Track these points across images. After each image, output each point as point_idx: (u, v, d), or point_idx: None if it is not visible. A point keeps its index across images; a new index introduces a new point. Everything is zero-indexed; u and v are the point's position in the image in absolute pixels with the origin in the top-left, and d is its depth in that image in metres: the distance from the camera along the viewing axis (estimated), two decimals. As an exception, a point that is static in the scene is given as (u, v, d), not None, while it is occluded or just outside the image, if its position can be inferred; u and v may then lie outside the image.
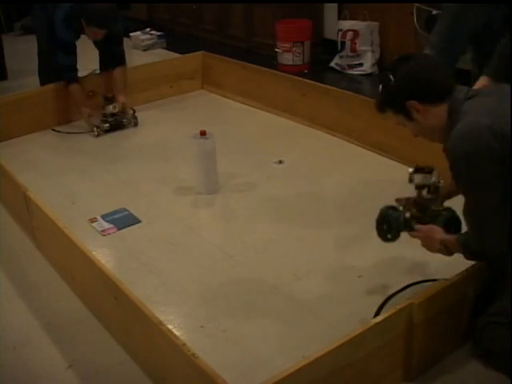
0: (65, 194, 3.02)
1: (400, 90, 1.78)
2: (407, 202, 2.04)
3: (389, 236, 2.05)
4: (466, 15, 2.75)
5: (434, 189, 1.99)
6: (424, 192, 2.01)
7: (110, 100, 3.75)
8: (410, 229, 1.99)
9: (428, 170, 1.98)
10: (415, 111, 1.77)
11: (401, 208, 2.05)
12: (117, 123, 3.75)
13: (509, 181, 1.66)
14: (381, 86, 1.85)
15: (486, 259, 1.82)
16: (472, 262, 1.87)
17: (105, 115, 3.74)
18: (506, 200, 1.69)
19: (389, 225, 2.04)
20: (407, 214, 2.02)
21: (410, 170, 2.01)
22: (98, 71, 4.17)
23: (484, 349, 1.83)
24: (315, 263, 2.40)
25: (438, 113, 1.77)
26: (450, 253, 1.89)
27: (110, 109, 3.73)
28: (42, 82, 4.02)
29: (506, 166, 1.64)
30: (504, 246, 1.73)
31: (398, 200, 2.08)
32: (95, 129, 3.68)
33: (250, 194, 2.97)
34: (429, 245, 1.94)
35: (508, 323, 1.74)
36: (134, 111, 3.87)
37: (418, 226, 1.96)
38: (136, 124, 3.82)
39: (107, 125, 3.71)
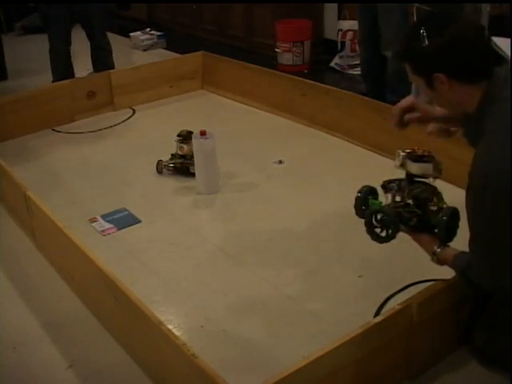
0: (65, 193, 3.02)
1: (430, 58, 1.56)
2: (399, 192, 1.84)
3: (382, 236, 1.85)
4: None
5: (433, 180, 1.82)
6: (419, 184, 1.83)
7: (185, 138, 3.11)
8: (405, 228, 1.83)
9: (428, 159, 1.79)
10: (439, 83, 1.57)
11: (389, 198, 1.86)
12: (182, 168, 3.14)
13: None
14: (408, 37, 1.61)
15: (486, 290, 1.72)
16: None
17: (174, 154, 3.18)
18: None
19: (384, 226, 1.83)
20: (406, 215, 1.81)
21: (402, 153, 1.80)
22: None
23: (490, 356, 1.80)
24: (315, 263, 2.40)
25: (464, 93, 1.58)
26: (441, 264, 1.81)
27: (178, 149, 3.14)
28: (55, 78, 4.15)
29: None
30: (506, 283, 1.61)
31: (386, 188, 1.88)
32: (160, 163, 3.18)
33: (250, 194, 2.97)
34: (418, 242, 1.86)
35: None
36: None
37: (410, 234, 1.84)
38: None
39: (172, 167, 3.17)
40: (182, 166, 3.13)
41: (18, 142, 3.68)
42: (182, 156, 3.13)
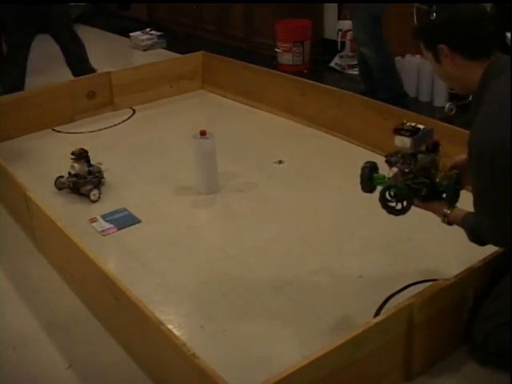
0: (65, 193, 3.02)
1: (436, 29, 1.71)
2: (404, 165, 1.89)
3: (398, 208, 1.90)
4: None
5: (432, 147, 1.89)
6: (421, 154, 1.88)
7: (80, 157, 3.03)
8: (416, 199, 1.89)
9: (412, 132, 1.83)
10: (444, 55, 1.71)
11: (393, 171, 1.93)
12: (76, 187, 2.99)
13: None
14: (421, 17, 1.81)
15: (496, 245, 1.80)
16: (472, 263, 1.87)
17: (69, 172, 3.04)
18: None
19: (399, 199, 1.89)
20: (416, 186, 1.87)
21: (406, 138, 1.84)
22: (98, 71, 4.18)
23: (491, 353, 1.81)
24: (315, 263, 2.40)
25: (466, 68, 1.70)
26: (451, 224, 1.88)
27: (76, 168, 3.00)
28: (4, 90, 3.99)
29: None
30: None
31: (391, 162, 1.93)
32: (58, 179, 3.03)
33: (250, 194, 2.97)
34: (428, 208, 1.92)
35: (509, 322, 1.73)
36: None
37: (420, 205, 1.90)
38: (97, 199, 2.97)
39: (66, 184, 3.02)
40: (74, 186, 2.99)
41: (18, 141, 3.68)
42: (75, 175, 3.00)
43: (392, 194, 1.92)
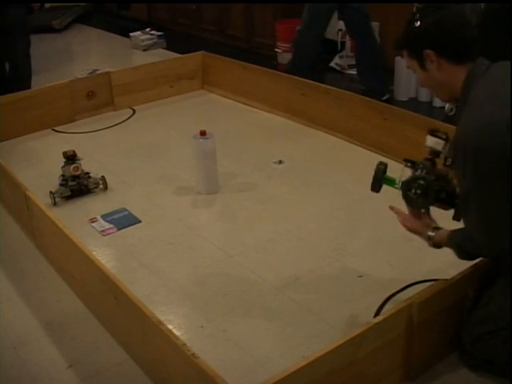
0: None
1: (421, 35, 1.72)
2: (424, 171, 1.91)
3: (420, 201, 1.90)
4: None
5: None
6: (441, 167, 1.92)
7: (71, 159, 3.00)
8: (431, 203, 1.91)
9: (443, 138, 1.90)
10: (429, 61, 1.72)
11: (408, 173, 1.95)
12: (80, 188, 2.98)
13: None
14: (405, 26, 1.80)
15: (484, 257, 1.80)
16: (472, 262, 1.87)
17: (64, 178, 2.99)
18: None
19: (423, 192, 1.89)
20: (437, 187, 1.89)
21: (440, 140, 1.88)
22: (98, 71, 4.18)
23: (478, 359, 1.81)
24: (315, 263, 2.40)
25: (451, 72, 1.71)
26: (437, 247, 1.89)
27: (71, 170, 2.96)
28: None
29: None
30: (506, 244, 1.68)
31: (415, 165, 1.94)
32: (51, 195, 2.91)
33: (250, 194, 2.97)
34: (413, 231, 1.94)
35: (499, 329, 1.73)
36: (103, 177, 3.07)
37: (409, 217, 1.93)
38: (105, 188, 3.03)
39: (67, 190, 2.95)
40: (79, 187, 2.96)
41: (18, 141, 3.68)
42: (76, 177, 2.96)
43: (420, 183, 1.89)
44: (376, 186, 2.03)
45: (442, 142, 1.89)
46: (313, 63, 4.23)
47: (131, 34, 5.81)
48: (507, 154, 1.54)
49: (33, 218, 2.53)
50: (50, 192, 2.91)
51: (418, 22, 1.73)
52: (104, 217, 2.80)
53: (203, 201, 2.94)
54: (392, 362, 1.77)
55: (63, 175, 2.99)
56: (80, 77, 4.27)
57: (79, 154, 3.01)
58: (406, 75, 3.97)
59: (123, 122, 3.94)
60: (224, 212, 2.88)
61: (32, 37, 4.21)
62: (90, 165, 3.23)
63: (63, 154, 2.99)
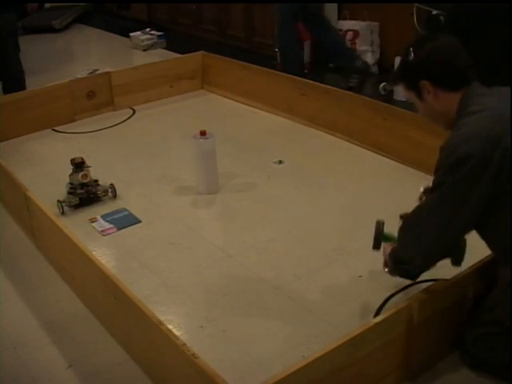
0: (65, 193, 3.02)
1: (416, 67, 1.76)
2: None
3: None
4: None
5: None
6: None
7: (79, 166, 2.91)
8: None
9: None
10: (426, 92, 1.75)
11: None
12: (89, 196, 2.90)
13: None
14: (400, 59, 1.85)
15: (404, 272, 1.83)
16: (472, 263, 1.87)
17: (72, 186, 2.91)
18: (470, 223, 1.68)
19: None
20: None
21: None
22: (98, 71, 4.18)
23: (478, 359, 1.82)
24: (315, 263, 2.40)
25: (448, 100, 1.74)
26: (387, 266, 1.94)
27: (79, 178, 2.88)
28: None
29: (498, 186, 1.60)
30: (429, 265, 1.76)
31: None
32: (59, 204, 2.83)
33: (250, 194, 2.97)
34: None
35: (502, 333, 1.74)
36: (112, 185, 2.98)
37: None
38: (115, 196, 2.95)
39: (76, 199, 2.86)
40: (88, 195, 2.88)
41: (18, 142, 3.68)
42: (84, 185, 2.87)
43: None
44: (377, 245, 2.05)
45: None
46: (301, 63, 4.49)
47: (131, 34, 5.81)
48: (486, 163, 1.57)
49: (33, 218, 2.53)
50: (58, 201, 2.83)
51: (412, 55, 1.78)
52: (104, 217, 2.80)
53: (203, 201, 2.94)
54: (392, 362, 1.77)
55: (71, 183, 2.89)
56: (80, 77, 4.27)
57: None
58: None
59: (123, 121, 3.94)
60: (224, 212, 2.88)
61: (32, 37, 4.23)
62: (90, 165, 3.23)
63: (71, 161, 2.91)
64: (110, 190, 2.95)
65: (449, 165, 1.63)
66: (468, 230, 1.73)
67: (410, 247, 1.78)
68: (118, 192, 2.96)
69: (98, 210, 2.85)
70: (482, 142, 1.58)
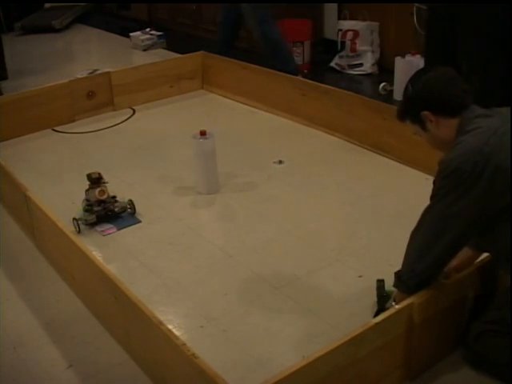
0: (65, 193, 3.02)
1: (415, 99, 1.82)
2: None
3: None
4: None
5: None
6: None
7: (96, 182, 2.73)
8: None
9: None
10: (429, 122, 1.80)
11: None
12: (106, 213, 2.73)
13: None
14: (402, 97, 1.90)
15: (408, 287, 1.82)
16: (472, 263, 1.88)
17: (89, 203, 2.75)
18: (465, 238, 1.74)
19: None
20: None
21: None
22: (98, 71, 4.18)
23: (478, 355, 1.82)
24: (315, 263, 2.40)
25: (449, 126, 1.78)
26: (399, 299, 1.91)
27: (96, 194, 2.71)
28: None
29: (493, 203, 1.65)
30: (427, 282, 1.77)
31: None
32: (75, 222, 2.66)
33: (250, 194, 2.97)
34: None
35: (506, 333, 1.74)
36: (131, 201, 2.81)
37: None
38: (134, 212, 2.79)
39: (93, 216, 2.71)
40: (105, 213, 2.71)
41: (18, 141, 3.68)
42: (101, 201, 2.72)
43: None
44: (382, 303, 2.05)
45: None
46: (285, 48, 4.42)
47: (131, 34, 5.81)
48: (477, 177, 1.63)
49: (33, 218, 2.53)
50: (74, 219, 2.66)
51: (410, 89, 1.83)
52: (104, 217, 2.80)
53: (203, 201, 2.94)
54: (392, 362, 1.77)
55: (87, 200, 2.72)
56: (80, 77, 4.27)
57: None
58: (406, 75, 3.96)
59: (123, 122, 3.95)
60: (224, 212, 2.88)
61: (32, 37, 4.23)
62: (90, 165, 3.24)
63: (87, 176, 2.73)
64: (128, 206, 2.79)
65: (443, 177, 1.70)
66: (464, 241, 1.76)
67: (412, 258, 1.81)
68: (118, 192, 2.96)
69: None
70: (475, 158, 1.63)
